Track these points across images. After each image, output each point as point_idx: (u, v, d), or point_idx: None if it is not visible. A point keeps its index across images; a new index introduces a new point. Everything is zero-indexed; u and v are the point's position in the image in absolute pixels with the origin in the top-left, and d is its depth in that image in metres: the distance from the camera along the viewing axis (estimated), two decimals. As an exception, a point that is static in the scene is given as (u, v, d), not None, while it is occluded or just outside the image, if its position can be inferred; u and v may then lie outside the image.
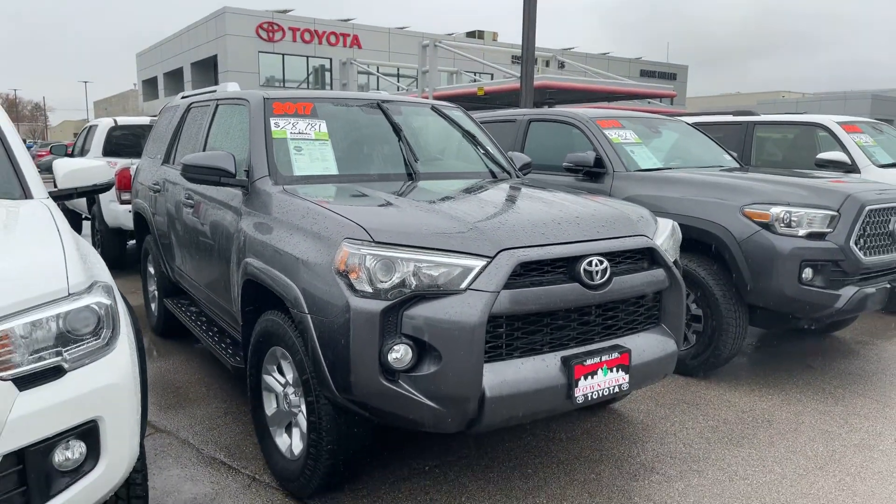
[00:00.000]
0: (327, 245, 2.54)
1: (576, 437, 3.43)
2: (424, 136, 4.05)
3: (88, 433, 1.74)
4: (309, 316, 2.51)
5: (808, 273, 3.88)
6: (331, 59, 34.98)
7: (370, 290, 2.38)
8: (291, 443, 2.91)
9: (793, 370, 4.47)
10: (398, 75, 36.45)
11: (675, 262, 3.07)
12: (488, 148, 4.14)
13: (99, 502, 1.82)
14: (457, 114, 4.30)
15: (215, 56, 33.96)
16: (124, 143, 8.56)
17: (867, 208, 3.96)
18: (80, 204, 8.87)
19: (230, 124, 3.95)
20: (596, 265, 2.60)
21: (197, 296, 4.26)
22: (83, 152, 9.13)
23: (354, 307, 2.36)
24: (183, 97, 5.34)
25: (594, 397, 2.60)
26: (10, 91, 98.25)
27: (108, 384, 1.77)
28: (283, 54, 34.02)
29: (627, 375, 2.69)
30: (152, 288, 5.34)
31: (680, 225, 4.23)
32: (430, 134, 4.12)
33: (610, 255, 2.69)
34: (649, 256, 2.86)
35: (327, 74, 35.47)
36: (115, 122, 8.72)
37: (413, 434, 3.35)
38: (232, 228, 3.36)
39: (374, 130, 3.83)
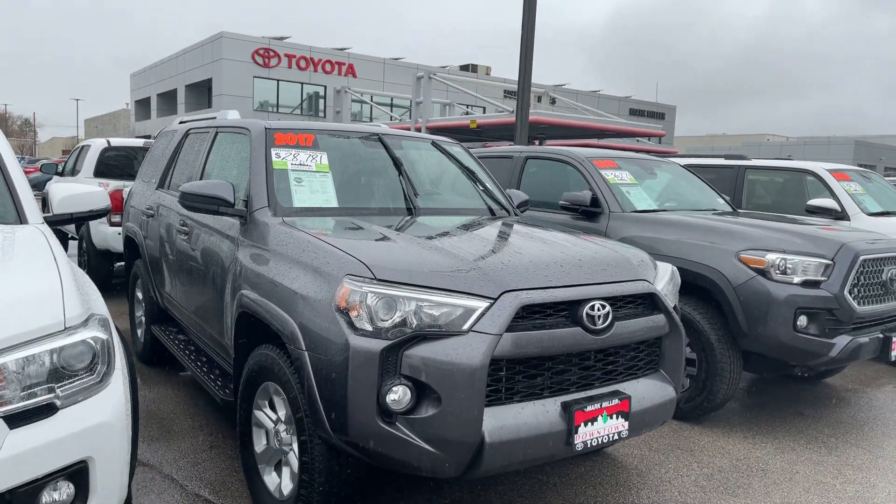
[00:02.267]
0: (328, 281, 2.50)
1: (570, 482, 3.37)
2: (424, 171, 4.05)
3: (77, 474, 1.67)
4: (306, 353, 2.46)
5: (802, 321, 3.88)
6: (325, 87, 35.27)
7: (370, 328, 2.35)
8: (281, 482, 2.83)
9: (785, 417, 4.45)
10: (392, 105, 36.78)
11: (674, 308, 3.06)
12: (487, 185, 4.15)
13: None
14: (456, 150, 4.31)
15: (210, 79, 34.12)
16: (116, 164, 8.50)
17: (861, 258, 3.99)
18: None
19: (229, 153, 3.93)
20: (598, 309, 2.58)
21: (186, 324, 4.18)
22: (74, 172, 9.05)
23: (354, 346, 2.32)
24: (181, 122, 5.33)
25: (593, 444, 2.56)
26: (0, 106, 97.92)
27: (100, 423, 1.71)
28: (278, 80, 34.26)
29: (627, 422, 2.65)
30: (139, 313, 5.25)
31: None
32: (429, 169, 4.12)
33: (612, 300, 2.68)
34: (650, 301, 2.85)
35: (321, 101, 35.72)
36: (109, 142, 8.67)
37: (405, 475, 3.27)
38: (228, 259, 3.31)
39: (374, 164, 3.82)
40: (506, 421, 2.39)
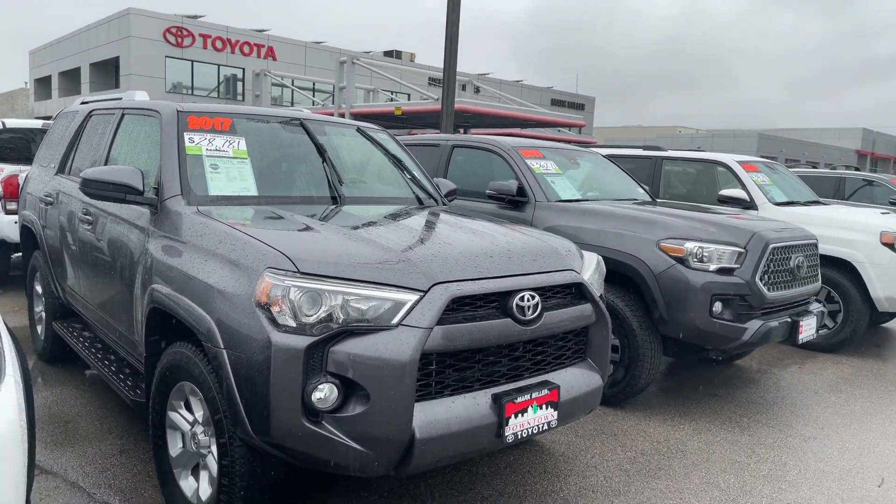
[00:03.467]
0: (247, 274, 2.36)
1: (499, 472, 3.36)
2: (349, 159, 3.93)
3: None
4: (224, 351, 2.32)
5: (718, 307, 4.03)
6: (243, 70, 34.01)
7: (294, 324, 2.23)
8: (199, 487, 2.67)
9: (700, 399, 4.63)
10: (314, 90, 35.91)
11: (600, 297, 3.10)
12: (415, 173, 4.06)
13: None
14: (382, 136, 4.20)
15: (117, 58, 32.20)
16: (13, 147, 7.86)
17: (771, 246, 4.18)
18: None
19: (137, 136, 3.67)
20: (528, 300, 2.56)
21: (91, 320, 3.90)
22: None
23: (276, 343, 2.20)
24: (83, 103, 4.95)
25: (523, 435, 2.55)
26: None
27: (-13, 436, 1.53)
28: (193, 61, 32.74)
29: (556, 412, 2.65)
30: (39, 308, 4.86)
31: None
32: (354, 156, 4.00)
33: (541, 290, 2.67)
34: (578, 291, 2.86)
35: (239, 84, 34.44)
36: (3, 124, 7.98)
37: (330, 474, 3.17)
38: (137, 250, 3.09)
39: (296, 150, 3.66)
40: (436, 416, 2.34)
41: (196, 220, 2.81)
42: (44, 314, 4.67)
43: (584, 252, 3.27)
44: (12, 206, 6.30)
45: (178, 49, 32.06)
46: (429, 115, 24.81)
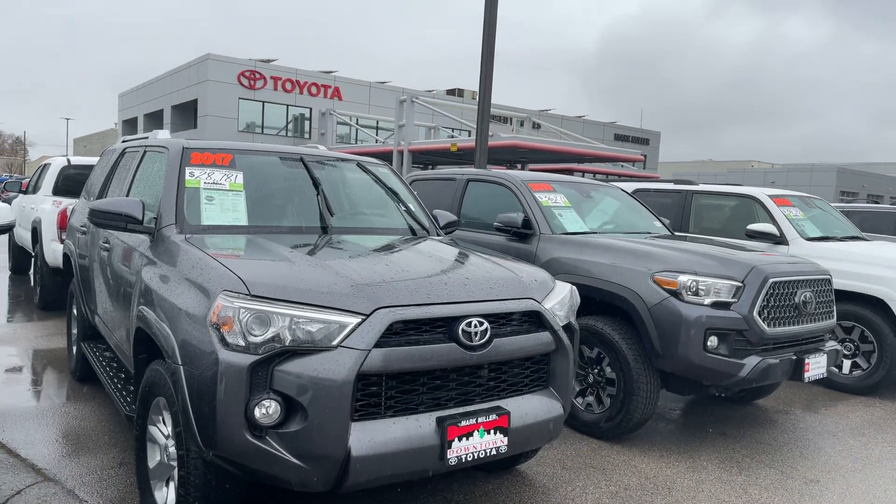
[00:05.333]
0: (206, 296, 2.55)
1: (475, 500, 3.39)
2: (346, 191, 4.12)
3: None
4: (182, 367, 2.50)
5: (713, 341, 3.95)
6: (311, 109, 35.50)
7: (242, 343, 2.39)
8: (167, 498, 2.84)
9: (706, 437, 4.50)
10: (377, 128, 37.06)
11: (567, 326, 3.12)
12: (410, 206, 4.22)
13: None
14: (383, 171, 4.39)
15: (196, 100, 34.28)
16: (76, 182, 8.53)
17: (770, 280, 4.08)
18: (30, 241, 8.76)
19: (152, 170, 3.98)
20: (475, 326, 2.63)
21: (110, 341, 4.20)
22: (35, 190, 9.08)
23: (223, 360, 2.36)
24: (123, 141, 5.39)
25: (469, 459, 2.60)
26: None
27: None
28: (264, 102, 34.47)
29: (506, 438, 2.69)
30: (74, 331, 5.25)
31: (595, 289, 4.34)
32: (352, 189, 4.19)
33: (493, 317, 2.74)
34: (536, 319, 2.91)
35: (307, 123, 35.93)
36: (69, 161, 8.71)
37: (289, 490, 3.28)
38: (135, 275, 3.35)
39: (292, 183, 3.89)
40: (374, 435, 2.43)
41: (181, 247, 3.04)
42: (76, 335, 5.05)
43: (557, 282, 3.31)
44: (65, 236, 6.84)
45: (251, 91, 33.85)
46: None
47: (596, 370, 4.39)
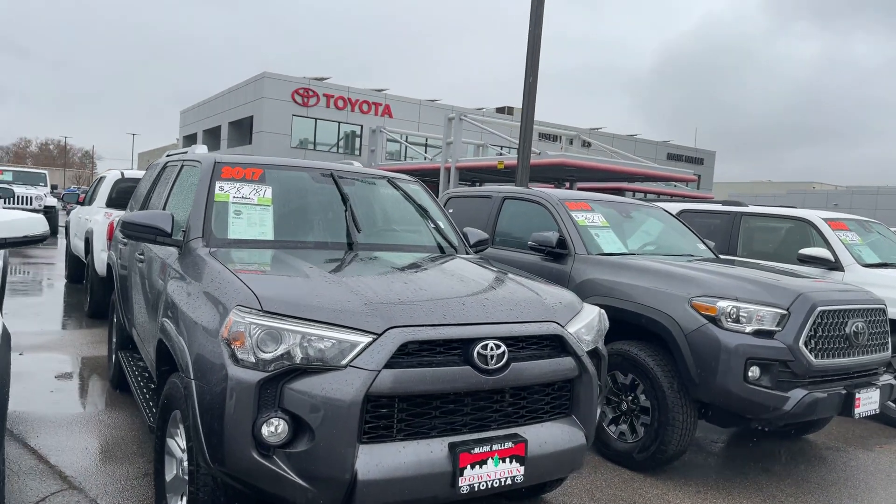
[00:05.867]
0: (221, 311, 2.53)
1: (493, 529, 3.27)
2: (375, 208, 4.10)
3: None
4: (193, 381, 2.49)
5: (754, 372, 3.74)
6: (361, 126, 36.08)
7: (252, 359, 2.36)
8: (180, 512, 2.82)
9: (749, 473, 4.25)
10: (426, 145, 37.35)
11: (593, 351, 3.00)
12: (439, 223, 4.16)
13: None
14: (413, 188, 4.35)
15: (251, 117, 35.30)
16: (129, 194, 8.81)
17: (818, 309, 3.84)
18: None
19: (187, 184, 4.05)
20: (492, 349, 2.54)
21: (142, 352, 4.26)
22: (91, 201, 9.44)
23: (232, 376, 2.34)
24: (166, 156, 5.52)
25: (482, 488, 2.49)
26: (61, 138, 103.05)
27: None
28: (317, 119, 35.23)
29: (522, 467, 2.58)
30: (115, 339, 5.37)
31: (630, 312, 4.18)
32: (381, 205, 4.17)
33: (511, 340, 2.64)
34: (558, 344, 2.79)
35: (357, 140, 36.52)
36: (122, 174, 9.02)
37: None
38: (162, 287, 3.39)
39: (321, 199, 3.88)
40: (383, 459, 2.36)
41: (204, 261, 3.06)
42: (115, 344, 5.16)
43: (585, 305, 3.19)
44: (114, 246, 7.06)
45: (304, 108, 34.66)
46: (531, 169, 25.02)
47: (630, 397, 4.21)
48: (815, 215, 6.52)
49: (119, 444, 4.08)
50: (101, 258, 7.44)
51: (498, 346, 2.56)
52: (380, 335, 2.41)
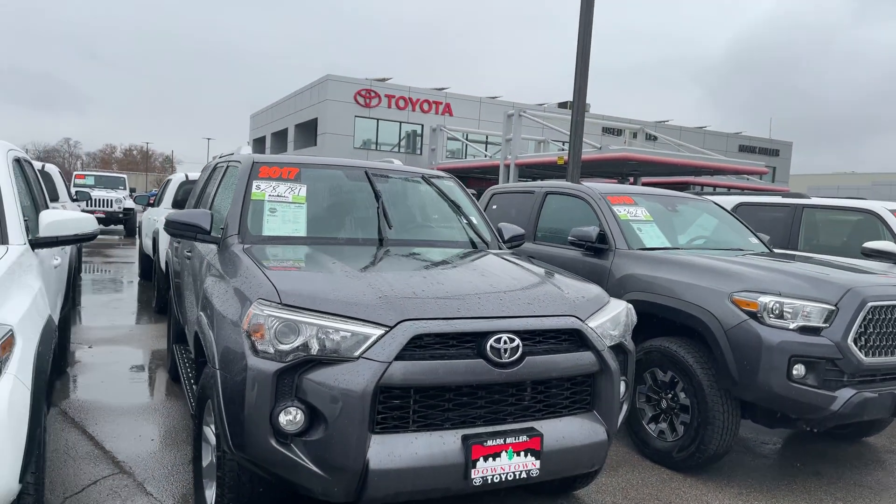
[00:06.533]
0: (244, 304, 2.64)
1: (520, 524, 3.27)
2: (407, 204, 4.16)
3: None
4: (219, 372, 2.60)
5: (799, 370, 3.58)
6: (422, 125, 36.38)
7: (271, 350, 2.45)
8: (213, 497, 2.95)
9: (797, 476, 4.07)
10: (486, 142, 37.32)
11: (619, 346, 2.95)
12: (472, 219, 4.18)
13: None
14: (448, 184, 4.39)
15: (316, 119, 36.18)
16: (192, 196, 9.25)
17: (869, 304, 3.63)
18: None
19: (230, 184, 4.22)
20: (505, 343, 2.54)
21: (190, 344, 4.47)
22: (159, 202, 9.94)
23: (251, 366, 2.43)
24: (218, 158, 5.76)
25: (495, 481, 2.51)
26: (143, 144, 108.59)
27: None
28: (378, 119, 35.76)
29: (538, 461, 2.57)
30: (171, 333, 5.65)
31: (669, 308, 4.08)
32: (414, 202, 4.22)
33: (527, 334, 2.63)
34: (577, 338, 2.77)
35: (418, 139, 36.85)
36: (186, 176, 9.46)
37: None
38: (201, 282, 3.55)
39: (354, 196, 3.97)
40: (395, 449, 2.40)
41: (237, 256, 3.19)
42: (173, 337, 5.42)
43: (613, 300, 3.15)
44: (176, 245, 7.41)
45: (366, 109, 35.25)
46: (592, 164, 24.61)
47: (669, 395, 4.11)
48: (882, 206, 6.16)
49: (170, 432, 4.30)
50: (164, 257, 7.83)
51: (512, 340, 2.56)
52: (392, 328, 2.46)
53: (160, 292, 8.22)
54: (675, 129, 41.32)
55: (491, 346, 2.52)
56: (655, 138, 35.93)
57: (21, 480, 2.13)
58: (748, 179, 33.07)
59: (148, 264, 10.88)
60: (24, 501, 2.21)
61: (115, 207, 19.81)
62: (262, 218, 3.61)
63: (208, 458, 3.10)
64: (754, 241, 5.42)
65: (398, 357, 2.40)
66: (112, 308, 8.57)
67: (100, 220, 19.45)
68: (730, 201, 7.50)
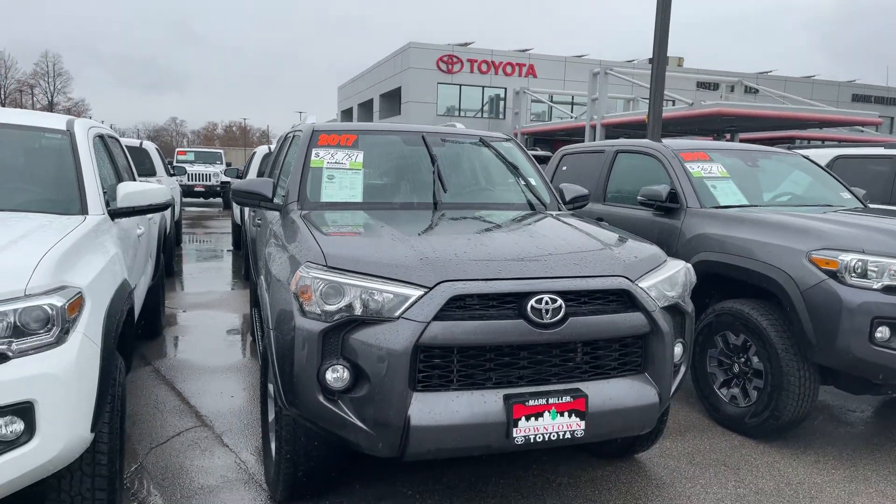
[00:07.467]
0: (294, 266, 2.74)
1: (577, 484, 3.25)
2: (464, 167, 4.14)
3: (24, 412, 2.08)
4: (272, 332, 2.73)
5: (883, 332, 3.32)
6: (505, 89, 35.81)
7: (318, 311, 2.53)
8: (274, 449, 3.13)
9: (883, 446, 3.81)
10: (573, 103, 36.31)
11: (674, 307, 2.85)
12: (531, 180, 4.11)
13: (40, 473, 2.16)
14: (506, 146, 4.32)
15: (399, 88, 36.41)
16: (275, 167, 9.61)
17: (967, 261, 3.30)
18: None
19: (293, 153, 4.35)
20: (547, 303, 2.51)
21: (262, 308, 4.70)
22: (246, 174, 10.41)
23: (299, 326, 2.53)
24: (292, 128, 5.94)
25: (538, 440, 2.50)
26: (241, 119, 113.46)
27: (44, 373, 2.10)
28: (461, 85, 35.52)
29: (583, 422, 2.54)
30: (251, 297, 5.96)
31: (741, 269, 3.89)
32: (471, 165, 4.19)
33: (571, 294, 2.58)
34: (627, 299, 2.68)
35: (501, 104, 36.36)
36: (269, 149, 9.81)
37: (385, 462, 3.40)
38: (263, 248, 3.71)
39: (410, 161, 4.00)
40: (436, 407, 2.44)
41: (295, 222, 3.30)
42: (251, 302, 5.72)
43: (670, 259, 3.03)
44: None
45: (449, 76, 35.08)
46: (685, 121, 23.44)
47: (742, 359, 3.93)
48: None
49: (249, 389, 4.56)
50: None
51: (554, 301, 2.52)
52: (431, 289, 2.48)
53: (246, 260, 8.66)
54: (780, 80, 38.54)
55: (532, 306, 2.50)
56: (756, 91, 33.68)
57: (93, 430, 2.33)
58: (862, 131, 30.46)
59: (238, 234, 11.47)
60: (98, 449, 2.42)
61: (214, 182, 20.91)
62: (321, 185, 3.70)
63: (272, 414, 3.27)
64: (847, 196, 5.02)
65: (437, 317, 2.43)
66: (207, 275, 9.12)
67: (199, 194, 20.63)
68: (826, 154, 6.96)
